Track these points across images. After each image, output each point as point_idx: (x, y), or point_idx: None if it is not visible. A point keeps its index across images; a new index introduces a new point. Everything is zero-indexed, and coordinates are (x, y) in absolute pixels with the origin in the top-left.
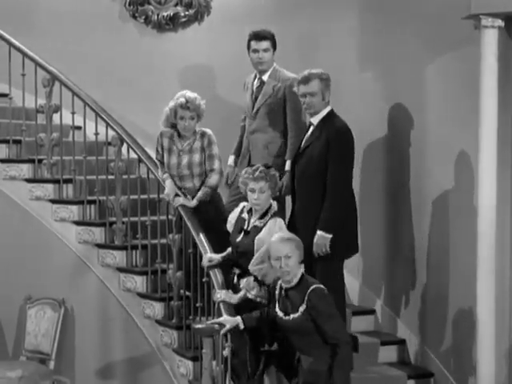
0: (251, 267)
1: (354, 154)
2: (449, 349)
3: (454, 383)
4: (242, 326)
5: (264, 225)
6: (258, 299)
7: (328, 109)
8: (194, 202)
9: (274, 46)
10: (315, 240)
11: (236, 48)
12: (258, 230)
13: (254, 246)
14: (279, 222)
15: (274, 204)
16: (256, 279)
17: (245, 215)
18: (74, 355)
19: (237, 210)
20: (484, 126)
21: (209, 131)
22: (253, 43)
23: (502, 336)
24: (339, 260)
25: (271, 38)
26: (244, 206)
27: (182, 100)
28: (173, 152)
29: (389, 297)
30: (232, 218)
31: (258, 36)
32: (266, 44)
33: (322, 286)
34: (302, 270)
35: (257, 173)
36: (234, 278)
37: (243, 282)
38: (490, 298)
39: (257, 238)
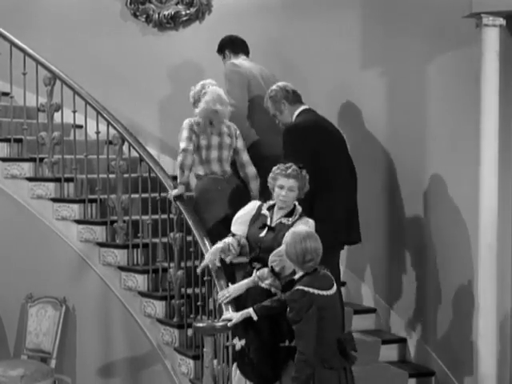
0: (272, 257)
1: (300, 146)
2: (450, 348)
3: (454, 382)
4: (255, 317)
5: (292, 223)
6: (273, 289)
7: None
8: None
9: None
10: None
11: None
12: (284, 227)
13: (278, 242)
14: (311, 223)
15: (298, 205)
16: (272, 271)
17: (265, 212)
18: (75, 354)
19: (247, 209)
20: (485, 125)
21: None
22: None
23: (504, 335)
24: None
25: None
26: (262, 204)
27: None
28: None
29: (390, 296)
30: (240, 216)
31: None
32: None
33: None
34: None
35: (289, 170)
36: (253, 272)
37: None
38: (491, 298)
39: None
